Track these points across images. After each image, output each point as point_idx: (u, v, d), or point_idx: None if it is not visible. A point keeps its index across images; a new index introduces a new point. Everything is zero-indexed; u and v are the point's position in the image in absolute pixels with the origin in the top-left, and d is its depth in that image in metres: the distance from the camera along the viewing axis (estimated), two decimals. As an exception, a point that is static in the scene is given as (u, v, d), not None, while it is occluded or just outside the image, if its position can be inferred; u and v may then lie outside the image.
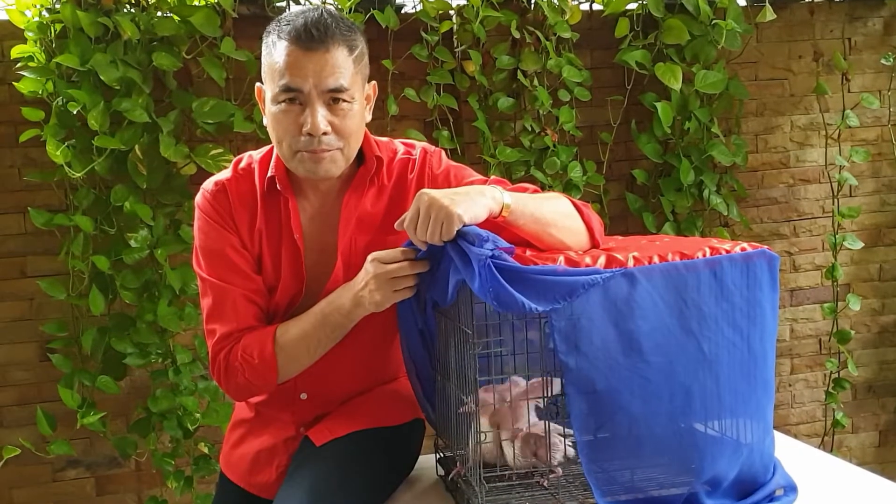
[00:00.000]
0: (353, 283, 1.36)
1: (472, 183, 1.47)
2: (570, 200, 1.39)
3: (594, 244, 1.41)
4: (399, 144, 1.50)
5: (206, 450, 2.37)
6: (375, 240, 1.44)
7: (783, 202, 2.88)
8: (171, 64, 2.23)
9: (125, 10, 2.25)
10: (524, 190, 1.41)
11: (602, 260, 1.31)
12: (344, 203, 1.44)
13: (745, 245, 1.41)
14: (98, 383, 2.27)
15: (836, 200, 2.85)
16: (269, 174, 1.43)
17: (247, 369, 1.39)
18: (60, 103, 2.18)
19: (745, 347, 1.40)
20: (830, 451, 2.87)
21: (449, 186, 1.46)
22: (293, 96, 1.32)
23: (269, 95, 1.36)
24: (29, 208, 2.25)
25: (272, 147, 1.45)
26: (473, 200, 1.22)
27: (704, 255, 1.37)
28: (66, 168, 2.17)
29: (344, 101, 1.34)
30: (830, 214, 2.88)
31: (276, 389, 1.45)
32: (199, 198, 1.46)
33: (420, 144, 1.50)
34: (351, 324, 1.38)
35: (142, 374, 2.42)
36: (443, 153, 1.51)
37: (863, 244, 2.84)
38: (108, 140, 2.17)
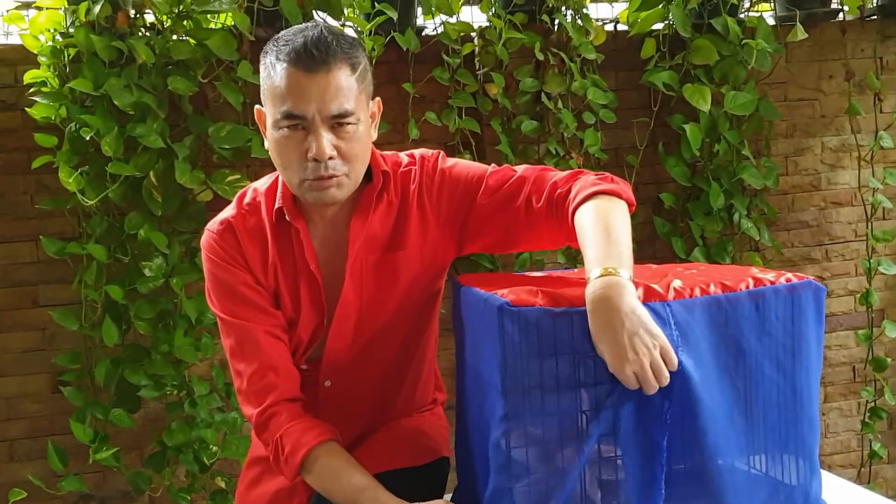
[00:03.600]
0: None
1: (467, 177, 1.39)
2: (610, 192, 1.29)
3: None
4: (403, 156, 1.43)
5: (223, 484, 2.30)
6: (383, 258, 1.38)
7: (814, 226, 2.80)
8: (186, 88, 2.18)
9: (140, 34, 2.20)
10: (575, 175, 1.34)
11: (640, 293, 1.24)
12: (351, 225, 1.37)
13: (789, 276, 1.34)
14: (111, 416, 2.20)
15: (869, 224, 2.76)
16: (276, 205, 1.36)
17: (277, 454, 1.33)
18: (73, 129, 2.13)
19: (787, 385, 1.33)
20: (868, 483, 2.77)
21: (447, 193, 1.39)
22: (296, 122, 1.25)
23: (269, 120, 1.29)
24: (41, 236, 2.19)
25: (277, 176, 1.39)
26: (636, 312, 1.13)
27: (748, 287, 1.30)
28: (79, 195, 2.12)
29: (349, 123, 1.27)
30: (863, 238, 2.79)
31: None
32: (204, 240, 1.40)
33: (419, 153, 1.43)
34: None
35: (156, 407, 2.35)
36: (440, 156, 1.43)
37: (898, 269, 2.75)
38: (122, 166, 2.11)
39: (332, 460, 1.30)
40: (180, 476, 2.34)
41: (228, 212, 1.40)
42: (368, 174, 1.37)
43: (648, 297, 1.23)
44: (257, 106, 1.35)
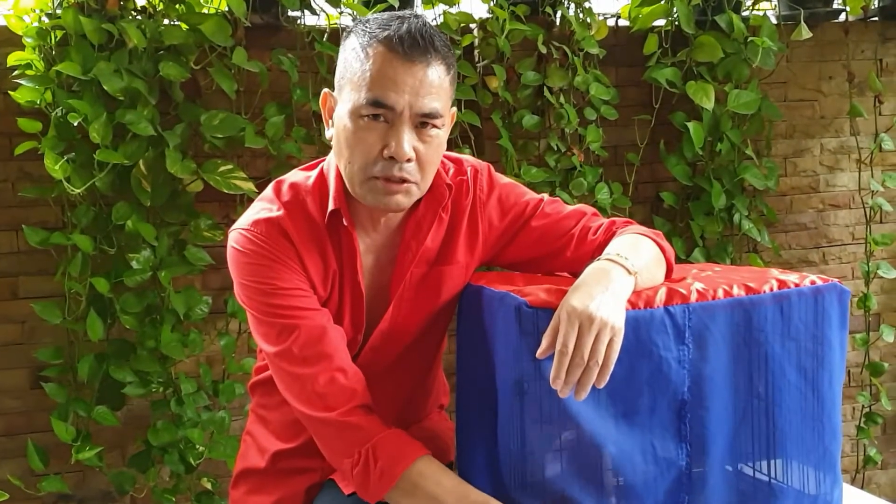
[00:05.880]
0: None
1: (522, 203, 1.34)
2: (652, 238, 1.27)
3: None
4: (447, 161, 1.33)
5: (209, 486, 2.22)
6: (430, 273, 1.30)
7: (812, 228, 2.77)
8: (178, 74, 2.10)
9: (131, 17, 2.11)
10: (612, 225, 1.33)
11: (662, 294, 1.19)
12: (406, 238, 1.28)
13: (814, 278, 1.31)
14: (94, 414, 2.11)
15: (869, 227, 2.74)
16: (330, 207, 1.23)
17: (367, 466, 1.19)
18: (60, 114, 2.04)
19: (810, 390, 1.30)
20: (862, 488, 2.74)
21: (499, 213, 1.34)
22: (381, 113, 1.14)
23: (348, 106, 1.17)
24: (23, 226, 2.10)
25: (319, 171, 1.28)
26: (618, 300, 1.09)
27: (772, 290, 1.26)
28: (65, 183, 2.03)
29: (434, 126, 1.17)
30: (860, 241, 2.77)
31: (308, 437, 1.29)
32: (240, 240, 1.23)
33: (468, 162, 1.35)
34: None
35: (141, 405, 2.27)
36: (490, 170, 1.36)
37: (897, 273, 2.73)
38: (110, 154, 2.02)
39: (441, 475, 1.17)
40: (165, 476, 2.26)
41: (268, 210, 1.24)
42: None
43: (671, 299, 1.19)
44: (325, 90, 1.25)
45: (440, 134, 1.19)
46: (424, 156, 1.17)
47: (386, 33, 1.14)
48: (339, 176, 1.24)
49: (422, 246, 1.28)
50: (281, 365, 1.22)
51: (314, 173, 1.29)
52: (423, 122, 1.16)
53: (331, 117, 1.24)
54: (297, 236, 1.22)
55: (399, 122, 1.14)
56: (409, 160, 1.16)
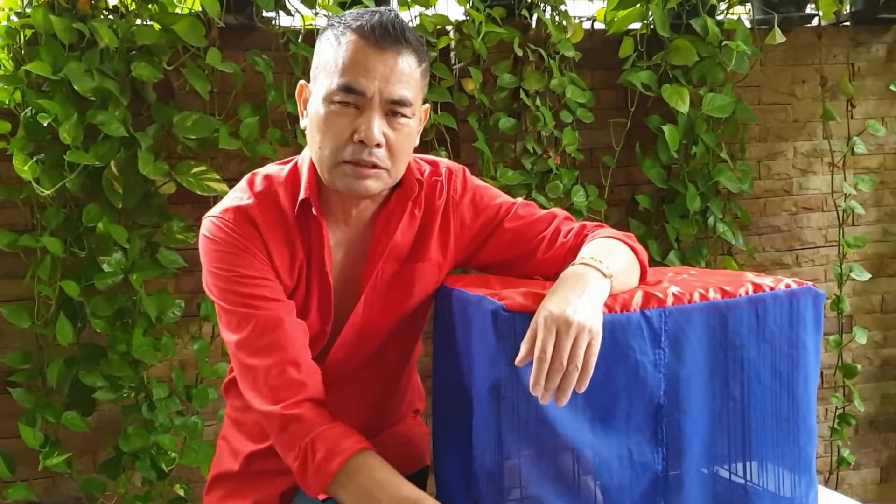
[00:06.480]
0: None
1: (495, 206, 1.35)
2: (624, 241, 1.27)
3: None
4: (423, 163, 1.36)
5: (181, 492, 2.19)
6: (401, 270, 1.30)
7: (786, 231, 2.79)
8: (151, 75, 2.07)
9: (102, 17, 2.08)
10: (583, 228, 1.33)
11: (639, 298, 1.19)
12: (377, 232, 1.29)
13: (788, 281, 1.32)
14: (63, 420, 2.08)
15: (841, 230, 2.76)
16: (301, 196, 1.25)
17: (305, 460, 1.17)
18: (29, 114, 2.00)
19: (785, 393, 1.31)
20: (835, 489, 2.77)
21: (472, 214, 1.35)
22: (351, 99, 1.17)
23: (321, 94, 1.20)
24: (-9, 228, 2.07)
25: (293, 164, 1.29)
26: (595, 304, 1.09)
27: (747, 293, 1.27)
28: (35, 185, 1.99)
29: (404, 115, 1.20)
30: (833, 244, 2.79)
31: None
32: (210, 227, 1.25)
33: (444, 164, 1.37)
34: None
35: (112, 410, 2.23)
36: (465, 172, 1.38)
37: (870, 275, 2.75)
38: (81, 155, 1.99)
39: (376, 471, 1.17)
40: (136, 483, 2.22)
41: (239, 199, 1.27)
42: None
43: (647, 303, 1.19)
44: (301, 81, 1.27)
45: (410, 123, 1.22)
46: (394, 143, 1.20)
47: (359, 23, 1.18)
48: (311, 167, 1.26)
49: (391, 239, 1.29)
50: (238, 355, 1.23)
51: (288, 166, 1.31)
52: (394, 109, 1.19)
53: (305, 108, 1.26)
54: (265, 225, 1.24)
55: (369, 108, 1.17)
56: (378, 145, 1.18)
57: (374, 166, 1.19)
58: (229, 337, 1.24)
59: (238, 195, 1.28)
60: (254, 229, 1.24)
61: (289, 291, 1.26)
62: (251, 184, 1.29)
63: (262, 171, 1.32)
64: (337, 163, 1.19)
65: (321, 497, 1.20)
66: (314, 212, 1.25)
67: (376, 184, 1.21)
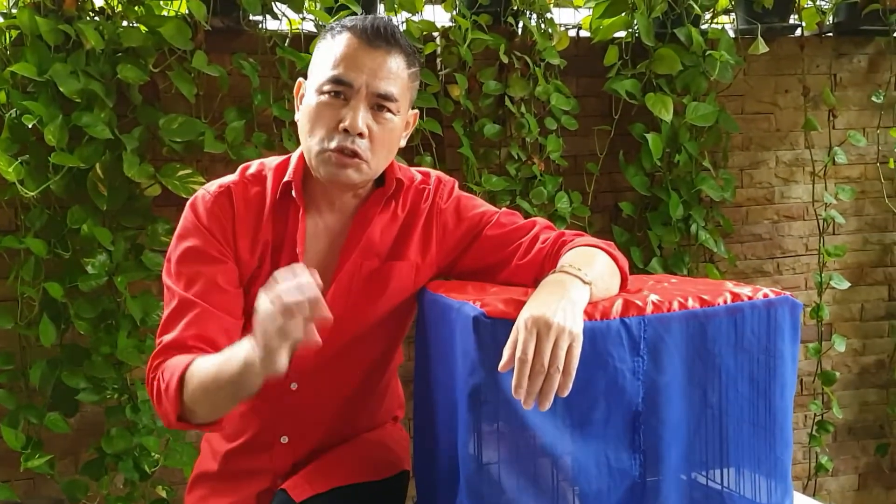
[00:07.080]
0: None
1: (478, 213, 1.38)
2: (604, 249, 1.29)
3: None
4: (415, 172, 1.41)
5: (164, 494, 2.20)
6: (382, 267, 1.34)
7: (767, 239, 2.82)
8: (136, 77, 2.07)
9: (88, 18, 2.09)
10: (561, 236, 1.35)
11: (618, 305, 1.21)
12: (353, 226, 1.33)
13: (767, 291, 1.33)
14: (46, 421, 2.08)
15: (822, 238, 2.79)
16: (285, 179, 1.31)
17: (161, 396, 1.19)
18: (14, 115, 2.00)
19: (762, 401, 1.32)
20: (813, 496, 2.79)
21: (455, 220, 1.38)
22: (340, 90, 1.24)
23: (313, 86, 1.27)
24: (-26, 229, 2.07)
25: (289, 156, 1.36)
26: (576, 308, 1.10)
27: (725, 302, 1.28)
28: (19, 186, 1.99)
29: (389, 111, 1.26)
30: (814, 252, 2.83)
31: (253, 433, 1.31)
32: (193, 198, 1.32)
33: (434, 174, 1.42)
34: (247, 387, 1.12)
35: (95, 411, 2.23)
36: (455, 184, 1.43)
37: (849, 284, 2.78)
38: (65, 157, 2.00)
39: (209, 359, 1.15)
40: (119, 484, 2.22)
41: (230, 178, 1.35)
42: (381, 179, 1.35)
43: (627, 311, 1.20)
44: (300, 79, 1.34)
45: (395, 120, 1.27)
46: (377, 135, 1.25)
47: (354, 24, 1.26)
48: (301, 157, 1.33)
49: (365, 233, 1.33)
50: (157, 333, 1.28)
51: (283, 158, 1.38)
52: (380, 103, 1.25)
53: (301, 103, 1.32)
54: (241, 202, 1.31)
55: (356, 99, 1.24)
56: (360, 135, 1.23)
57: (355, 155, 1.24)
58: (165, 313, 1.28)
59: (230, 176, 1.35)
60: (228, 205, 1.30)
61: (251, 270, 1.30)
62: (245, 168, 1.37)
63: (261, 160, 1.39)
64: (323, 150, 1.25)
65: (182, 426, 1.20)
66: (293, 194, 1.30)
67: (356, 174, 1.26)
